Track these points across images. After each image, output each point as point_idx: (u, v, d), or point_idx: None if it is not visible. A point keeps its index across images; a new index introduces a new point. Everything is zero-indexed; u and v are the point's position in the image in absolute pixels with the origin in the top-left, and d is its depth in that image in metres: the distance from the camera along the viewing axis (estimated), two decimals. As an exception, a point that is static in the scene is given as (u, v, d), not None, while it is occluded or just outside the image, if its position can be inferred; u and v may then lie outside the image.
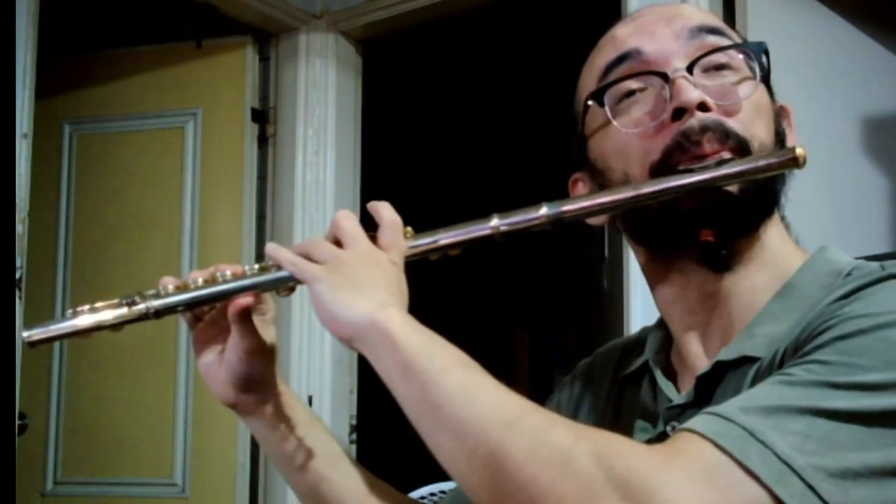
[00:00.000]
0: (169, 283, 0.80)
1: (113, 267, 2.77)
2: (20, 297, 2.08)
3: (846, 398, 0.58)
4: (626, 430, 0.80)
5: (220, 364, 0.85)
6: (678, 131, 0.74)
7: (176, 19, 2.90)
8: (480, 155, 4.51)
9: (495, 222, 0.78)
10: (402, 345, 0.67)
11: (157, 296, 0.79)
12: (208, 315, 0.85)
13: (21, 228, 2.07)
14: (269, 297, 0.86)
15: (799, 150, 0.72)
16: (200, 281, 0.80)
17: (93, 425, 2.78)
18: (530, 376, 4.83)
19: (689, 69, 0.75)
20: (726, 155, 0.73)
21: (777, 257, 0.77)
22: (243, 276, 0.80)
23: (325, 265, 0.74)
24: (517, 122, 4.26)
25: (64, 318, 0.79)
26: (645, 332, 0.90)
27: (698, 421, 0.59)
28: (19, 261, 2.06)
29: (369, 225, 0.79)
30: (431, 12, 2.73)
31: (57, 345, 2.78)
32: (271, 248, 0.79)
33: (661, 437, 0.75)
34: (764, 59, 0.78)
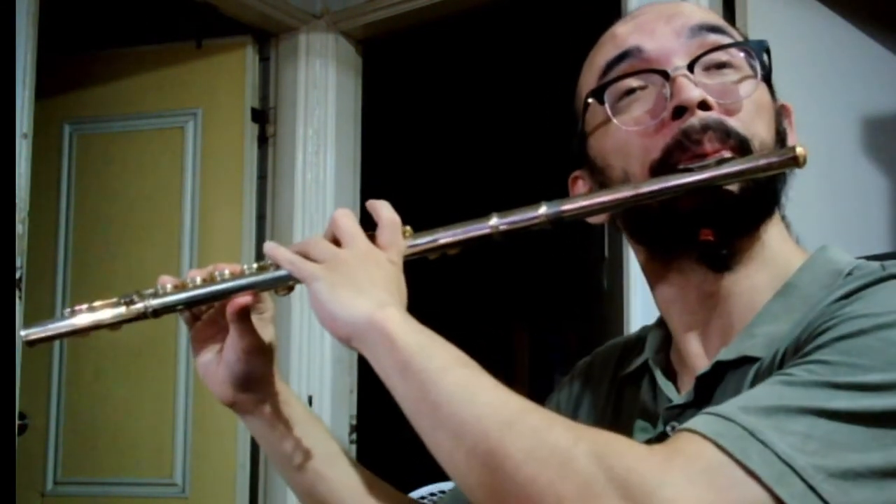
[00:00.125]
0: (167, 282, 0.80)
1: (113, 267, 2.77)
2: (20, 297, 2.08)
3: (847, 398, 0.58)
4: (626, 429, 0.80)
5: (218, 363, 0.85)
6: (679, 130, 0.74)
7: (176, 19, 2.89)
8: (480, 155, 4.51)
9: (494, 221, 0.78)
10: (401, 344, 0.67)
11: (156, 295, 0.79)
12: (206, 314, 0.85)
13: (21, 228, 2.07)
14: (267, 297, 0.86)
15: (799, 150, 0.72)
16: (199, 280, 0.80)
17: (93, 425, 2.78)
18: (530, 376, 4.83)
19: (690, 67, 0.75)
20: (727, 154, 0.73)
21: (777, 257, 0.77)
22: (242, 275, 0.80)
23: (323, 264, 0.74)
24: (517, 122, 4.26)
25: (62, 317, 0.79)
26: (644, 332, 0.90)
27: (698, 421, 0.59)
28: (19, 261, 2.06)
29: (368, 224, 0.79)
30: (431, 12, 2.73)
31: (57, 345, 2.79)
32: (269, 246, 0.78)
33: (661, 438, 0.75)
34: (765, 57, 0.78)
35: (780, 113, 0.80)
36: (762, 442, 0.56)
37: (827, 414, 0.57)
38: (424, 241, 0.79)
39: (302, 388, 2.67)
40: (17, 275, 2.04)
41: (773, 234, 0.77)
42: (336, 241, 0.76)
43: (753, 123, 0.75)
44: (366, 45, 2.97)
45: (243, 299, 0.80)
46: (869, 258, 0.75)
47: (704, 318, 0.78)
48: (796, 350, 0.66)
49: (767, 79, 0.79)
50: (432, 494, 1.95)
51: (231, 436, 2.68)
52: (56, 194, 2.87)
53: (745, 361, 0.72)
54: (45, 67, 2.19)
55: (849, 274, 0.72)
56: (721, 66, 0.77)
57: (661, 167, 0.74)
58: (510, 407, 0.62)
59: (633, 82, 0.78)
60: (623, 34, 0.80)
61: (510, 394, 0.63)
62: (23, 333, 0.77)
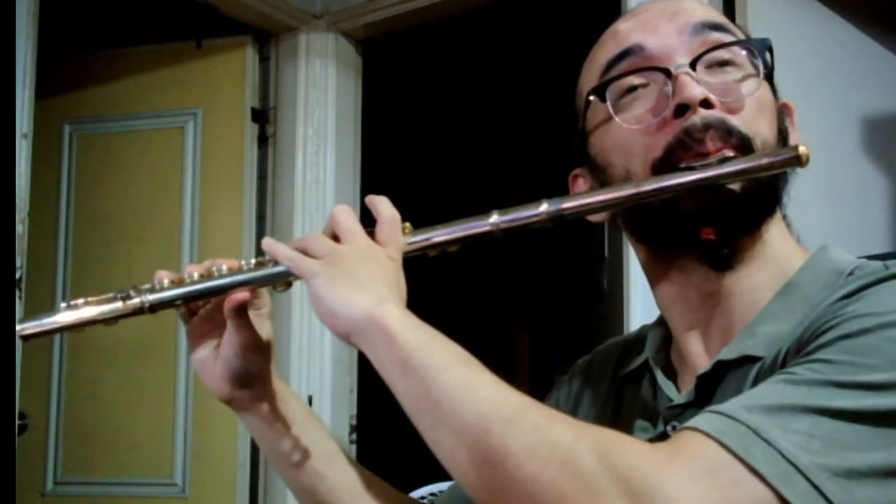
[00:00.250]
0: (164, 277, 0.80)
1: (113, 267, 2.77)
2: (20, 297, 2.07)
3: (850, 397, 0.57)
4: (626, 429, 0.79)
5: (215, 359, 0.85)
6: (680, 128, 0.73)
7: (176, 19, 2.89)
8: (480, 154, 4.51)
9: (495, 219, 0.77)
10: (401, 340, 0.67)
11: (153, 290, 0.79)
12: (203, 310, 0.85)
13: (21, 228, 2.07)
14: (265, 293, 0.85)
15: (802, 149, 0.71)
16: (196, 275, 0.80)
17: (93, 425, 2.78)
18: (530, 375, 4.83)
19: (692, 65, 0.75)
20: (729, 153, 0.73)
21: (779, 256, 0.76)
22: (239, 270, 0.79)
23: (322, 260, 0.74)
24: (517, 122, 4.26)
25: (58, 311, 0.78)
26: (644, 331, 0.89)
27: (701, 419, 0.59)
28: (19, 261, 2.06)
29: (368, 221, 0.78)
30: (431, 12, 2.73)
31: (57, 345, 2.79)
32: (268, 242, 0.78)
33: (662, 437, 0.75)
34: (767, 55, 0.78)
35: (782, 112, 0.80)
36: (766, 440, 0.56)
37: (830, 413, 0.57)
38: (424, 237, 0.79)
39: (302, 388, 2.67)
40: (17, 275, 2.04)
41: (774, 233, 0.77)
42: (335, 238, 0.76)
43: (756, 122, 0.75)
44: (366, 45, 2.97)
45: (241, 295, 0.79)
46: (869, 258, 0.75)
47: (705, 318, 0.78)
48: (798, 349, 0.66)
49: (770, 77, 0.79)
50: (432, 494, 1.95)
51: (231, 436, 2.68)
52: (56, 194, 2.87)
53: (747, 361, 0.72)
54: (45, 67, 2.19)
55: (850, 273, 0.72)
56: (723, 64, 0.77)
57: (663, 165, 0.74)
58: (511, 404, 0.61)
59: (634, 80, 0.77)
60: (625, 31, 0.79)
61: (511, 391, 0.63)
62: (18, 328, 0.77)
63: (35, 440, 2.75)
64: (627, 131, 0.76)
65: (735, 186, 0.73)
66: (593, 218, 0.81)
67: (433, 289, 2.44)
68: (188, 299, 0.80)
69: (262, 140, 2.87)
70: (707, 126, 0.73)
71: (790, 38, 1.97)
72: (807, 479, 0.55)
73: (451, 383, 0.63)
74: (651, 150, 0.75)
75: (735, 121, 0.74)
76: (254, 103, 2.85)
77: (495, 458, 0.59)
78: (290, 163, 2.81)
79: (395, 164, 3.91)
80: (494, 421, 0.60)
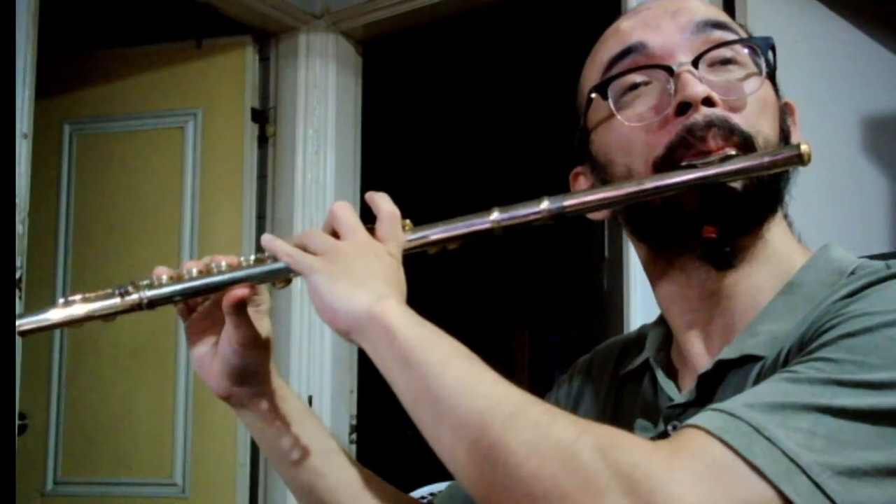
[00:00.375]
0: (163, 273, 0.79)
1: (113, 267, 2.77)
2: (20, 297, 2.07)
3: (852, 396, 0.57)
4: (627, 428, 0.78)
5: (213, 355, 0.84)
6: (682, 126, 0.73)
7: (176, 19, 2.89)
8: (480, 155, 4.51)
9: (496, 216, 0.77)
10: (401, 337, 0.66)
11: (151, 286, 0.78)
12: (202, 306, 0.84)
13: (21, 228, 2.07)
14: (264, 290, 0.84)
15: (804, 147, 0.71)
16: (195, 271, 0.79)
17: (93, 425, 2.78)
18: (530, 375, 4.83)
19: (695, 63, 0.75)
20: (730, 151, 0.72)
21: (780, 255, 0.76)
22: (238, 267, 0.79)
23: (321, 256, 0.73)
24: (517, 122, 4.26)
25: (56, 307, 0.78)
26: (645, 330, 0.89)
27: (703, 417, 0.59)
28: (19, 261, 2.06)
29: (368, 218, 0.78)
30: (431, 12, 2.73)
31: (57, 345, 2.79)
32: (267, 238, 0.77)
33: (663, 437, 0.74)
34: (770, 54, 0.78)
35: (785, 111, 0.80)
36: (768, 439, 0.55)
37: (832, 411, 0.57)
38: (424, 234, 0.78)
39: (302, 388, 2.67)
40: (17, 275, 2.04)
41: (776, 232, 0.77)
42: (335, 234, 0.76)
43: (758, 120, 0.75)
44: (366, 45, 2.97)
45: (240, 291, 0.78)
46: (869, 258, 0.75)
47: (706, 317, 0.78)
48: (800, 348, 0.66)
49: (772, 76, 0.79)
50: (432, 494, 1.94)
51: (231, 436, 2.68)
52: (56, 194, 2.87)
53: (748, 360, 0.72)
54: (45, 67, 2.19)
55: (852, 273, 0.72)
56: (726, 62, 0.77)
57: (665, 163, 0.74)
58: (512, 400, 0.61)
59: (636, 78, 0.77)
60: (627, 29, 0.79)
61: (512, 387, 0.62)
62: (15, 324, 0.77)
63: (35, 440, 2.75)
64: (629, 129, 0.76)
65: (737, 185, 0.72)
66: (594, 216, 0.81)
67: (433, 289, 2.44)
68: (187, 296, 0.80)
69: (262, 140, 2.87)
70: (709, 124, 0.73)
71: (790, 38, 1.97)
72: (808, 477, 0.55)
73: (452, 380, 0.63)
74: (653, 148, 0.75)
75: (737, 119, 0.74)
76: (254, 103, 2.85)
77: (496, 455, 0.58)
78: (290, 163, 2.81)
79: (395, 164, 3.91)
80: (495, 417, 0.59)
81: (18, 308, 2.05)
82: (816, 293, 0.71)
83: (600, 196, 0.77)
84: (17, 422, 2.58)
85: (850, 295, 0.66)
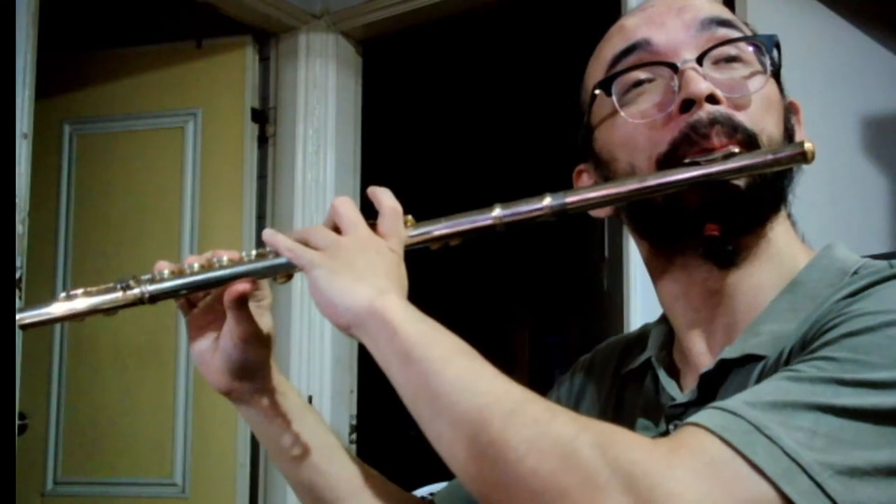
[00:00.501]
0: (164, 267, 0.79)
1: (113, 267, 2.76)
2: (20, 297, 2.07)
3: (854, 395, 0.57)
4: (628, 427, 0.78)
5: (214, 351, 0.84)
6: (686, 123, 0.73)
7: (176, 19, 2.89)
8: (480, 155, 4.51)
9: (498, 212, 0.77)
10: (402, 332, 0.66)
11: (153, 280, 0.78)
12: (203, 301, 0.84)
13: (21, 228, 2.07)
14: (265, 285, 0.84)
15: (807, 145, 0.71)
16: (196, 266, 0.79)
17: (93, 425, 2.78)
18: (530, 375, 4.83)
19: (699, 61, 0.74)
20: (734, 149, 0.72)
21: (783, 254, 0.76)
22: (240, 262, 0.79)
23: (323, 251, 0.73)
24: (517, 122, 4.26)
25: (57, 301, 0.77)
26: (647, 328, 0.89)
27: (704, 415, 0.58)
28: (19, 261, 2.06)
29: (370, 215, 0.78)
30: (431, 12, 2.73)
31: (57, 345, 2.78)
32: (268, 233, 0.77)
33: (664, 437, 0.74)
34: (775, 52, 0.77)
35: (789, 110, 0.80)
36: (768, 437, 0.55)
37: (833, 410, 0.57)
38: (426, 230, 0.78)
39: (302, 388, 2.67)
40: (17, 275, 2.04)
41: (779, 231, 0.76)
42: (336, 229, 0.76)
43: (762, 119, 0.75)
44: (366, 45, 2.97)
45: (241, 286, 0.78)
46: (871, 258, 0.75)
47: (708, 316, 0.78)
48: (802, 348, 0.65)
49: (777, 74, 0.78)
50: (432, 495, 1.94)
51: (231, 436, 2.67)
52: (56, 194, 2.87)
53: (750, 360, 0.72)
54: (45, 67, 2.19)
55: (855, 272, 0.72)
56: (730, 60, 0.76)
57: (668, 160, 0.74)
58: (512, 397, 0.61)
59: (640, 74, 0.77)
60: (632, 26, 0.79)
61: (512, 384, 0.62)
62: (17, 317, 0.76)
63: (35, 440, 2.75)
64: (633, 126, 0.76)
65: (740, 183, 0.72)
66: (596, 213, 0.81)
67: (433, 289, 2.44)
68: (188, 290, 0.80)
69: (262, 140, 2.87)
70: (713, 121, 0.73)
71: (790, 38, 1.96)
72: (809, 476, 0.54)
73: (452, 376, 0.63)
74: (656, 145, 0.75)
75: (741, 117, 0.74)
76: (254, 103, 2.85)
77: (495, 451, 0.58)
78: (290, 163, 2.81)
79: (394, 163, 3.91)
80: (495, 414, 0.59)
81: (18, 308, 2.04)
82: (819, 292, 0.71)
83: (602, 193, 0.77)
84: (17, 422, 2.58)
85: (853, 294, 0.66)
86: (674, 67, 0.75)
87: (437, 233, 0.78)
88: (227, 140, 2.82)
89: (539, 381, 4.67)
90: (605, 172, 0.80)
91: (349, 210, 0.76)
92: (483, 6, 2.77)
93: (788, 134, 0.78)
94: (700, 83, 0.73)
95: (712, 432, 0.56)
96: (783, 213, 0.78)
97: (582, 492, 0.55)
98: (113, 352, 2.76)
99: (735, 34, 0.77)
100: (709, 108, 0.73)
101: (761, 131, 0.74)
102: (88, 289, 0.78)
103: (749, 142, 0.73)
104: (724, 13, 0.79)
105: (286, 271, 0.78)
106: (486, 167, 4.41)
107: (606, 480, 0.54)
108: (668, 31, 0.77)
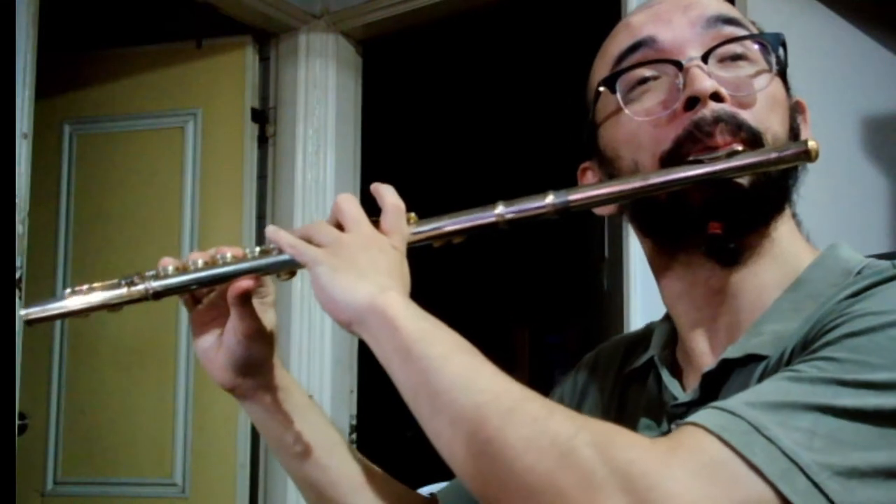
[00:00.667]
0: (169, 264, 0.79)
1: (113, 267, 2.76)
2: (20, 298, 2.07)
3: (854, 396, 0.57)
4: (630, 426, 0.78)
5: (218, 347, 0.84)
6: (690, 121, 0.73)
7: (176, 19, 2.89)
8: (481, 155, 4.51)
9: (500, 210, 0.77)
10: (403, 329, 0.66)
11: (157, 277, 0.79)
12: (207, 297, 0.84)
13: (21, 228, 2.07)
14: (269, 281, 0.84)
15: (811, 143, 0.71)
16: (200, 263, 0.79)
17: (93, 425, 2.78)
18: (530, 375, 4.83)
19: (704, 59, 0.74)
20: (738, 147, 0.72)
21: (787, 254, 0.76)
22: (244, 258, 0.79)
23: (325, 248, 0.73)
24: (518, 122, 4.26)
25: (62, 297, 0.78)
26: (650, 327, 0.89)
27: (703, 415, 0.58)
28: (19, 261, 2.06)
29: (372, 211, 0.78)
30: (431, 12, 2.73)
31: (57, 345, 2.78)
32: (271, 230, 0.78)
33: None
34: (781, 51, 0.77)
35: (795, 109, 0.79)
36: (767, 437, 0.55)
37: (833, 411, 0.56)
38: (429, 227, 0.78)
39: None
40: (17, 275, 2.04)
41: (782, 230, 0.76)
42: (339, 226, 0.76)
43: (767, 117, 0.75)
44: (366, 45, 2.97)
45: (245, 283, 0.78)
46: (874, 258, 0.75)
47: (711, 315, 0.77)
48: (804, 347, 0.65)
49: (783, 73, 0.78)
50: (431, 495, 1.94)
51: (231, 436, 2.67)
52: (56, 194, 2.87)
53: (752, 359, 0.72)
54: (45, 67, 2.19)
55: (859, 272, 0.71)
56: (736, 58, 0.76)
57: (672, 158, 0.74)
58: (511, 395, 0.61)
59: (645, 72, 0.77)
60: (637, 23, 0.79)
61: (511, 382, 0.62)
62: (22, 313, 0.77)
63: (35, 440, 2.75)
64: (637, 123, 0.76)
65: (743, 181, 0.72)
66: (600, 211, 0.81)
67: (433, 289, 2.44)
68: (192, 286, 0.80)
69: (262, 140, 2.87)
70: (717, 119, 0.72)
71: (790, 38, 1.96)
72: (807, 477, 0.54)
73: (451, 373, 0.63)
74: (660, 143, 0.75)
75: (745, 115, 0.74)
76: (254, 103, 2.85)
77: (493, 448, 0.58)
78: (290, 163, 2.81)
79: (395, 164, 3.91)
80: (493, 411, 0.59)
81: (18, 308, 2.05)
82: (822, 292, 0.71)
83: (605, 191, 0.76)
84: (17, 422, 2.58)
85: (855, 294, 0.66)
86: (679, 65, 0.75)
87: (440, 230, 0.78)
88: (227, 140, 2.82)
89: (539, 381, 4.67)
90: (609, 170, 0.80)
91: (352, 207, 0.76)
92: (483, 6, 2.77)
93: (794, 133, 0.77)
94: (705, 81, 0.73)
95: (711, 432, 0.56)
96: (788, 213, 0.77)
97: (579, 490, 0.55)
98: (113, 352, 2.76)
99: (741, 32, 0.77)
100: (713, 106, 0.73)
101: (766, 130, 0.74)
102: (93, 284, 0.79)
103: (753, 140, 0.73)
104: (731, 11, 0.79)
105: (289, 268, 0.78)
106: (486, 167, 4.41)
107: (604, 479, 0.54)
108: (673, 28, 0.77)
